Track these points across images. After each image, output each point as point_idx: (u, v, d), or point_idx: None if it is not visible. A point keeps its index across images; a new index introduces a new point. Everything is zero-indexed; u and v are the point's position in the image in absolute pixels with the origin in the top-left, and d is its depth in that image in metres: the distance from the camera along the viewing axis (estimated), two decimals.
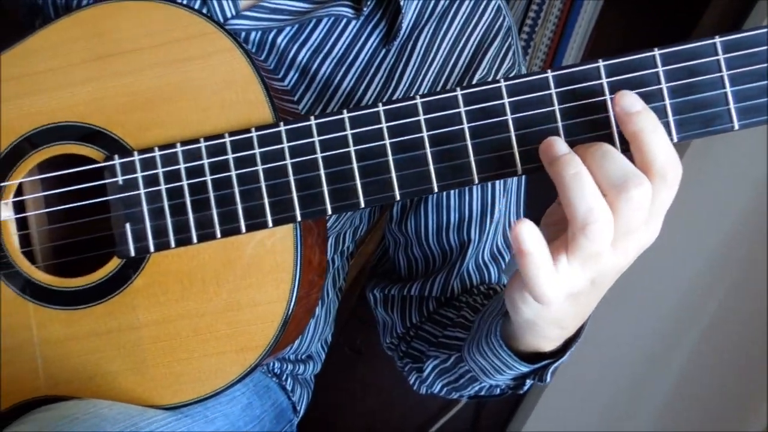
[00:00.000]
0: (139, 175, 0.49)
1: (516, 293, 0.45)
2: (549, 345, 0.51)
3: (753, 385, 1.01)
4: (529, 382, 0.57)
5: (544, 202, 0.48)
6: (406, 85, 0.62)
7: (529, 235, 0.40)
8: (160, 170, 0.49)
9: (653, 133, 0.40)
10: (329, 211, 0.48)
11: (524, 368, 0.53)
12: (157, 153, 0.49)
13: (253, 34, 0.59)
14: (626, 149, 0.43)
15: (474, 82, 0.63)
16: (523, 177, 0.69)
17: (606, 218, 0.40)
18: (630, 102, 0.41)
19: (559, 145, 0.43)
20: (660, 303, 1.15)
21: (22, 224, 0.54)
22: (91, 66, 0.50)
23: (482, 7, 0.64)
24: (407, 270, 0.71)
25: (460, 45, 0.63)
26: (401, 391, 1.41)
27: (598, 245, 0.40)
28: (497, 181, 0.67)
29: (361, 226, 0.74)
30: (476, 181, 0.47)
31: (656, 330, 1.16)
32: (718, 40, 0.44)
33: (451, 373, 0.63)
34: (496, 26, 0.64)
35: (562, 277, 0.42)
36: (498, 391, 0.62)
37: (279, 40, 0.60)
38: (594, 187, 0.40)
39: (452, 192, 0.66)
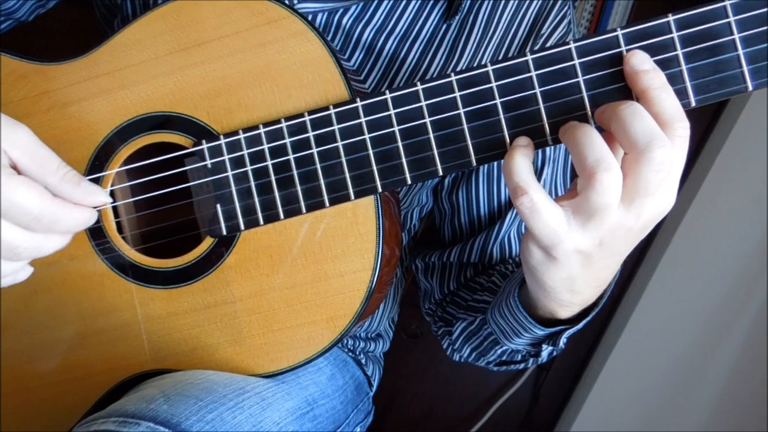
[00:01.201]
0: (226, 157, 0.52)
1: (523, 245, 0.46)
2: (564, 311, 0.51)
3: None
4: (545, 348, 0.57)
5: None
6: (468, 57, 0.63)
7: (521, 168, 0.43)
8: (245, 152, 0.52)
9: (660, 90, 0.42)
10: (409, 181, 0.50)
11: (539, 331, 0.54)
12: (241, 136, 0.52)
13: (319, 16, 0.61)
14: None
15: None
16: None
17: (615, 169, 0.40)
18: (639, 60, 0.43)
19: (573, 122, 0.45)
20: (704, 303, 1.14)
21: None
22: (175, 57, 0.53)
23: None
24: (451, 239, 0.72)
25: (519, 16, 0.64)
26: (458, 375, 1.43)
27: (607, 197, 0.41)
28: (548, 150, 0.68)
29: (427, 204, 0.75)
30: (550, 143, 0.48)
31: (702, 330, 1.15)
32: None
33: (477, 336, 0.65)
34: None
35: (561, 218, 0.42)
36: (519, 357, 0.63)
37: (344, 20, 0.62)
38: (603, 143, 0.41)
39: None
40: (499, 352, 0.63)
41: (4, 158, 0.41)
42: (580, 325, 0.53)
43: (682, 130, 0.41)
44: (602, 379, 1.27)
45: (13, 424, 0.55)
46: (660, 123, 0.41)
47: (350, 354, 0.75)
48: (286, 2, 0.58)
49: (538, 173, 0.67)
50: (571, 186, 0.46)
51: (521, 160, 0.43)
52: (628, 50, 0.46)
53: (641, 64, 0.43)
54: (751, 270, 1.09)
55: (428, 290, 0.75)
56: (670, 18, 0.45)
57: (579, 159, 0.42)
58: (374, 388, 0.81)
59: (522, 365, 0.64)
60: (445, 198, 0.71)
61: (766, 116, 1.04)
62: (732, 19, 0.44)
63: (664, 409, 1.21)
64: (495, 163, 0.68)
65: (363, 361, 0.77)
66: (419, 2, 0.63)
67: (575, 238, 0.43)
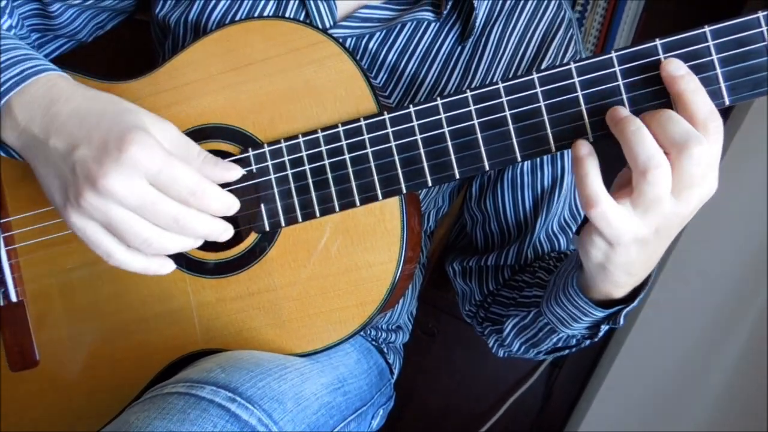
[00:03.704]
0: (269, 163, 0.60)
1: (586, 237, 0.52)
2: (619, 291, 0.57)
3: None
4: (604, 328, 0.63)
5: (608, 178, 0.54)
6: (481, 76, 0.70)
7: (592, 180, 0.48)
8: (286, 158, 0.59)
9: (695, 93, 0.47)
10: (430, 183, 0.57)
11: (599, 313, 0.59)
12: (283, 144, 0.59)
13: (348, 40, 0.69)
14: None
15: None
16: None
17: (665, 164, 0.46)
18: (675, 67, 0.49)
19: (622, 109, 0.51)
20: (709, 303, 1.18)
21: None
22: (227, 75, 0.60)
23: (545, 3, 0.72)
24: (484, 244, 0.79)
25: (527, 38, 0.71)
26: (473, 372, 1.49)
27: (659, 189, 0.46)
28: (566, 158, 0.75)
29: (443, 206, 0.82)
30: (553, 150, 0.55)
31: (707, 330, 1.18)
32: (761, 14, 0.50)
33: (530, 329, 0.70)
34: (558, 19, 0.72)
35: (626, 216, 0.48)
36: (574, 341, 0.68)
37: (371, 45, 0.69)
38: (653, 140, 0.47)
39: (525, 168, 0.75)
40: (555, 340, 0.67)
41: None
42: (636, 303, 0.58)
43: (716, 127, 0.47)
44: (611, 376, 1.32)
45: (85, 394, 0.63)
46: (695, 123, 0.47)
47: (373, 343, 0.82)
48: (321, 28, 0.66)
49: (560, 182, 0.73)
50: (618, 179, 0.52)
51: (591, 171, 0.49)
52: (621, 69, 0.53)
53: (677, 70, 0.49)
54: (753, 271, 1.14)
55: (466, 293, 0.80)
56: (657, 42, 0.52)
57: (631, 155, 0.47)
58: (395, 376, 0.87)
59: (575, 349, 0.69)
60: (475, 206, 0.77)
61: (766, 122, 1.09)
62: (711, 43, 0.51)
63: (671, 405, 1.26)
64: (518, 172, 0.74)
65: (385, 350, 0.84)
66: (437, 26, 0.70)
67: (636, 229, 0.49)
